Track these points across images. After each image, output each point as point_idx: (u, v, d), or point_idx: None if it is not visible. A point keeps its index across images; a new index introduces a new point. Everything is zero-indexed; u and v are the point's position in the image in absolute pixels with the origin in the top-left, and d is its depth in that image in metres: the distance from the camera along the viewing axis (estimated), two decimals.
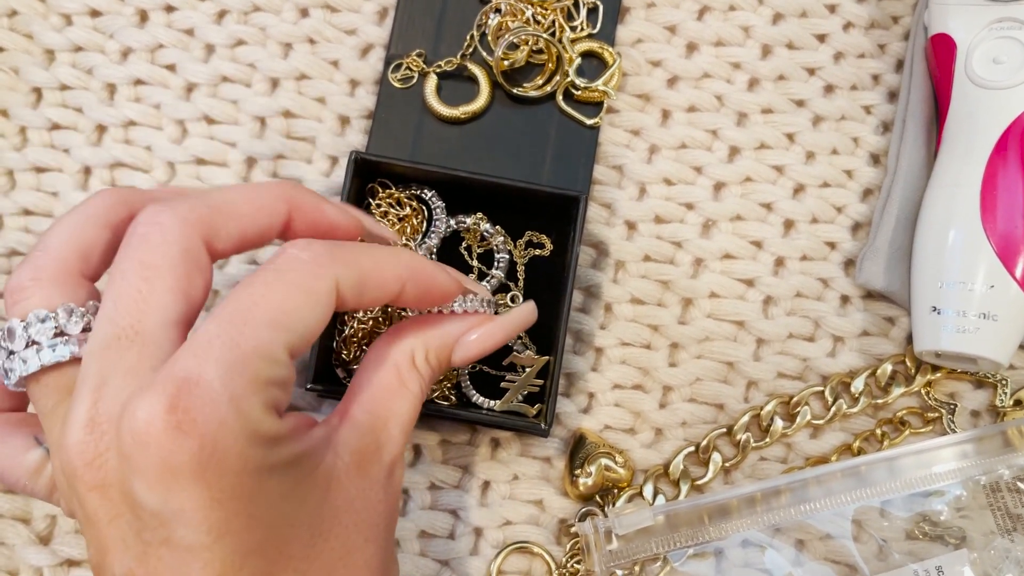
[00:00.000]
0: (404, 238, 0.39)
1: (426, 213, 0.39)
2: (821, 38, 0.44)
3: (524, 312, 0.34)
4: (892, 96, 0.43)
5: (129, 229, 0.27)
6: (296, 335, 0.26)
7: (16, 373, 0.27)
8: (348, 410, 0.30)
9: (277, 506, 0.26)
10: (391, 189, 0.39)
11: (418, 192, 0.39)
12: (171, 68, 0.42)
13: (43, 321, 0.27)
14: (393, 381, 0.31)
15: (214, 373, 0.25)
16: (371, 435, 0.30)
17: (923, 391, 0.41)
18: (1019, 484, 0.38)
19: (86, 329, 0.27)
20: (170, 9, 0.42)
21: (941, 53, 0.40)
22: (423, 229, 0.39)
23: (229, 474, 0.25)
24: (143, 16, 0.42)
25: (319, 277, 0.27)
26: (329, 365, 0.38)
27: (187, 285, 0.27)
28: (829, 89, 0.43)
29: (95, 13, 0.42)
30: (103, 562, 0.26)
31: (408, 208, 0.39)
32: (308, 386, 0.36)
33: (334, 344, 0.38)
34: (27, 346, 0.27)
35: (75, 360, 0.27)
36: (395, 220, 0.39)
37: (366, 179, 0.39)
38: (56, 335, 0.27)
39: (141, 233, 0.27)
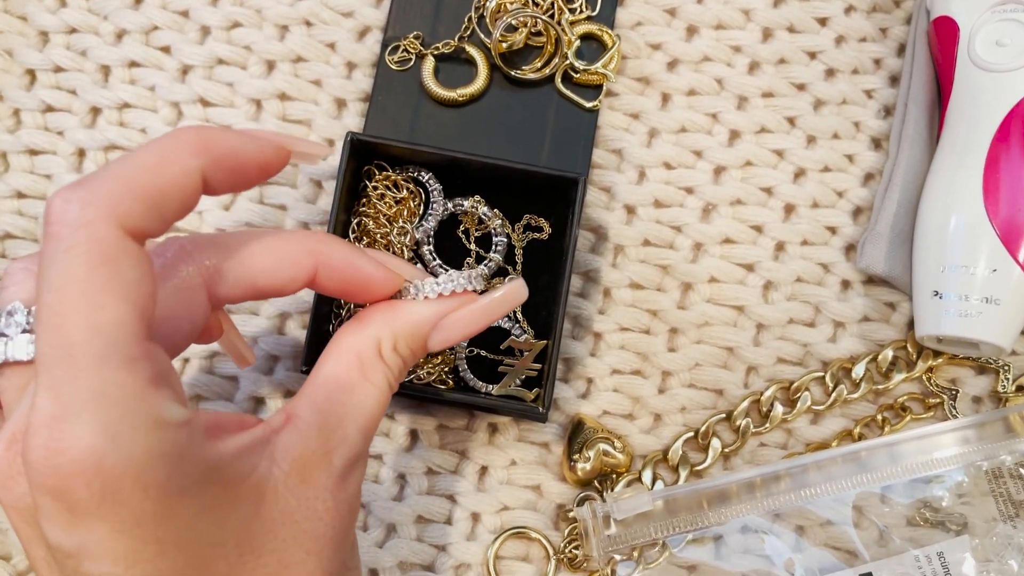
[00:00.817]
0: (401, 221, 0.38)
1: (423, 196, 0.39)
2: (822, 21, 0.43)
3: (511, 292, 0.31)
4: (894, 80, 0.43)
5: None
6: (144, 294, 0.24)
7: None
8: (295, 410, 0.27)
9: (192, 526, 0.24)
10: (388, 171, 0.38)
11: (415, 174, 0.38)
12: (166, 50, 0.41)
13: (18, 314, 0.26)
14: (353, 375, 0.28)
15: (79, 410, 0.22)
16: (318, 438, 0.27)
17: (924, 377, 0.40)
18: (1021, 470, 0.38)
19: None
20: None
21: (943, 36, 0.40)
22: (420, 212, 0.39)
23: (127, 503, 0.23)
24: None
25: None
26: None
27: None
28: (830, 73, 0.43)
29: None
30: None
31: (405, 191, 0.38)
32: (303, 368, 0.36)
33: (331, 328, 0.38)
34: None
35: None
36: (392, 203, 0.38)
37: (362, 161, 0.38)
38: (24, 331, 0.26)
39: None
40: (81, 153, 0.41)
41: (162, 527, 0.23)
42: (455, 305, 0.30)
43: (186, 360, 0.39)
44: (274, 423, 0.27)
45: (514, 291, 0.31)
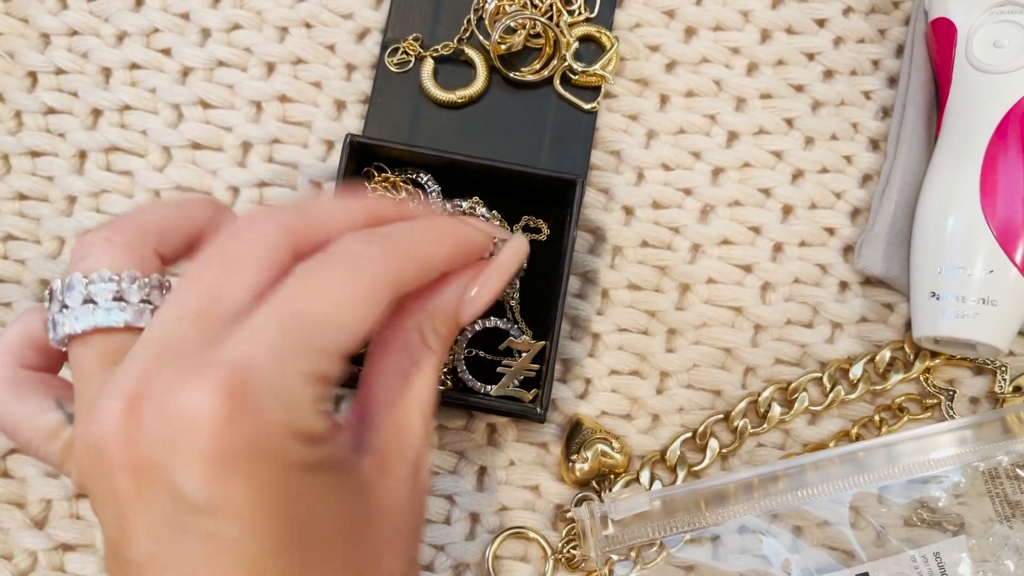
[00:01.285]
0: None
1: (422, 197, 0.39)
2: (821, 23, 0.43)
3: (514, 247, 0.32)
4: (892, 81, 0.43)
5: (223, 226, 0.27)
6: (350, 333, 0.25)
7: (64, 328, 0.26)
8: (366, 407, 0.29)
9: (314, 507, 0.25)
10: (387, 173, 0.39)
11: (414, 176, 0.39)
12: (167, 52, 0.42)
13: (106, 281, 0.26)
14: (406, 365, 0.29)
15: (268, 362, 0.24)
16: (392, 430, 0.28)
17: (922, 377, 0.40)
18: (1018, 471, 0.38)
19: (144, 301, 0.27)
20: None
21: (941, 37, 0.40)
22: None
23: (276, 468, 0.24)
24: (139, 0, 0.42)
25: (378, 276, 0.26)
26: None
27: (265, 285, 0.26)
28: (828, 74, 0.43)
29: None
30: (121, 544, 0.25)
31: (404, 192, 0.39)
32: None
33: None
34: (83, 303, 0.26)
35: (127, 329, 0.26)
36: None
37: (362, 163, 0.39)
38: (115, 299, 0.26)
39: (233, 229, 0.26)
40: (82, 155, 0.41)
41: (294, 501, 0.24)
42: (472, 276, 0.31)
43: None
44: (352, 420, 0.28)
45: (516, 247, 0.32)
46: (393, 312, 0.30)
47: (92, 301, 0.26)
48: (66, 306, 0.26)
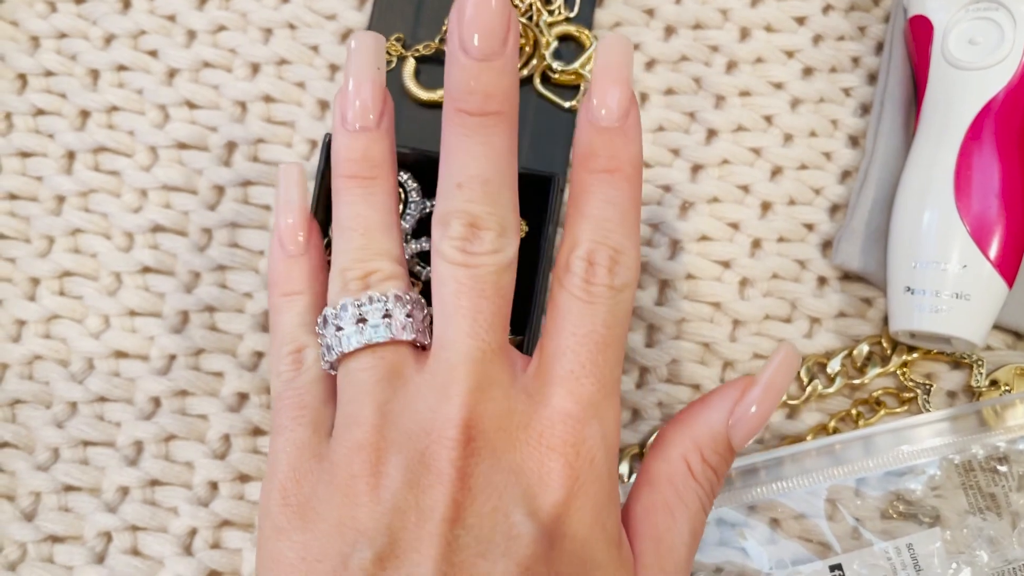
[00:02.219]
0: None
1: (402, 195, 0.39)
2: (800, 20, 0.44)
3: (786, 363, 0.29)
4: (872, 78, 0.43)
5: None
6: None
7: (340, 348, 0.28)
8: (635, 547, 0.28)
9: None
10: None
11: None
12: (153, 54, 0.42)
13: (377, 302, 0.28)
14: (671, 500, 0.29)
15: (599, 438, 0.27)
16: (655, 569, 0.28)
17: (899, 372, 0.41)
18: (993, 463, 0.38)
19: (408, 316, 0.28)
20: None
21: (919, 35, 0.40)
22: (400, 212, 0.39)
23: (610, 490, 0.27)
24: (126, 3, 0.43)
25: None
26: None
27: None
28: (808, 71, 0.43)
29: (79, 0, 0.43)
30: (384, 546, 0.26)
31: None
32: None
33: None
34: (356, 322, 0.27)
35: (392, 342, 0.27)
36: None
37: None
38: (383, 316, 0.27)
39: None
40: (71, 155, 0.42)
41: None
42: (737, 394, 0.29)
43: (172, 357, 0.40)
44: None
45: (787, 361, 0.30)
46: (656, 443, 0.30)
47: (363, 320, 0.27)
48: (340, 328, 0.28)
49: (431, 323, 0.28)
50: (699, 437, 0.29)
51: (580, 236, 0.28)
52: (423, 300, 0.28)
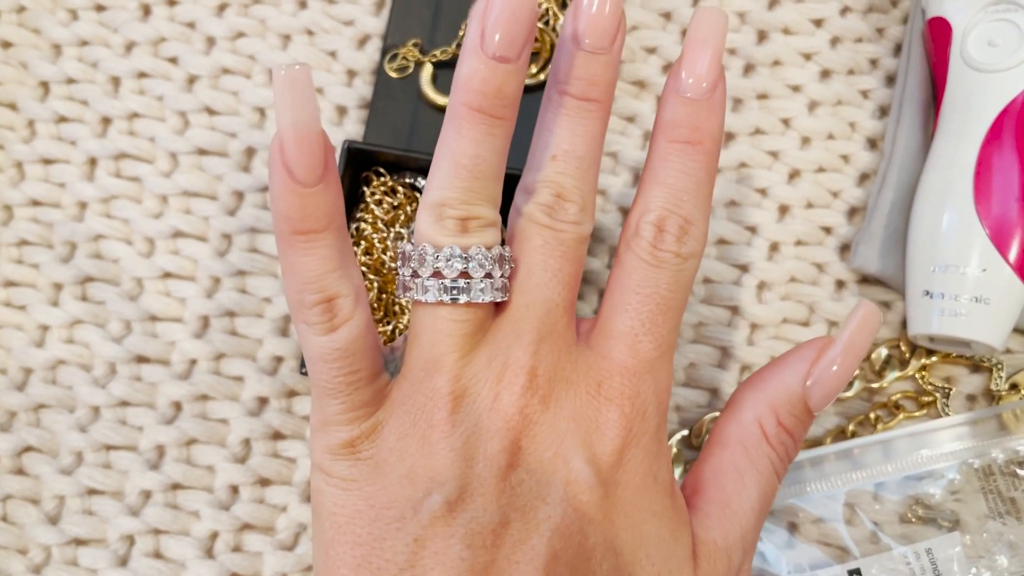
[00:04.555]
0: (398, 225, 0.39)
1: (420, 200, 0.40)
2: (818, 23, 0.44)
3: (866, 321, 0.29)
4: (890, 80, 0.43)
5: None
6: None
7: (414, 295, 0.27)
8: (696, 502, 0.29)
9: None
10: (384, 177, 0.40)
11: (412, 180, 0.39)
12: (173, 61, 0.43)
13: (457, 259, 0.27)
14: (741, 464, 0.29)
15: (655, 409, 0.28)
16: (719, 532, 0.28)
17: (918, 375, 0.41)
18: (1013, 467, 0.38)
19: (487, 276, 0.27)
20: (172, 3, 0.43)
21: (938, 36, 0.40)
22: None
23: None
24: (146, 10, 0.43)
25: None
26: None
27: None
28: (825, 74, 0.43)
29: (100, 8, 0.43)
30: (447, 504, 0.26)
31: (402, 195, 0.40)
32: (302, 371, 0.37)
33: None
34: (431, 276, 0.27)
35: (468, 305, 0.27)
36: (389, 208, 0.39)
37: (360, 168, 0.39)
38: (460, 275, 0.27)
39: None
40: (92, 162, 0.42)
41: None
42: (814, 354, 0.29)
43: (193, 361, 0.40)
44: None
45: (868, 320, 0.29)
46: (731, 404, 0.30)
47: (467, 276, 0.27)
48: (417, 275, 0.27)
49: None
50: (775, 399, 0.29)
51: (652, 202, 0.28)
52: (512, 258, 0.28)
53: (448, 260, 0.26)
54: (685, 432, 0.40)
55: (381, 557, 0.26)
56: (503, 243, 0.28)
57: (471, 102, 0.26)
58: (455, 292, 0.26)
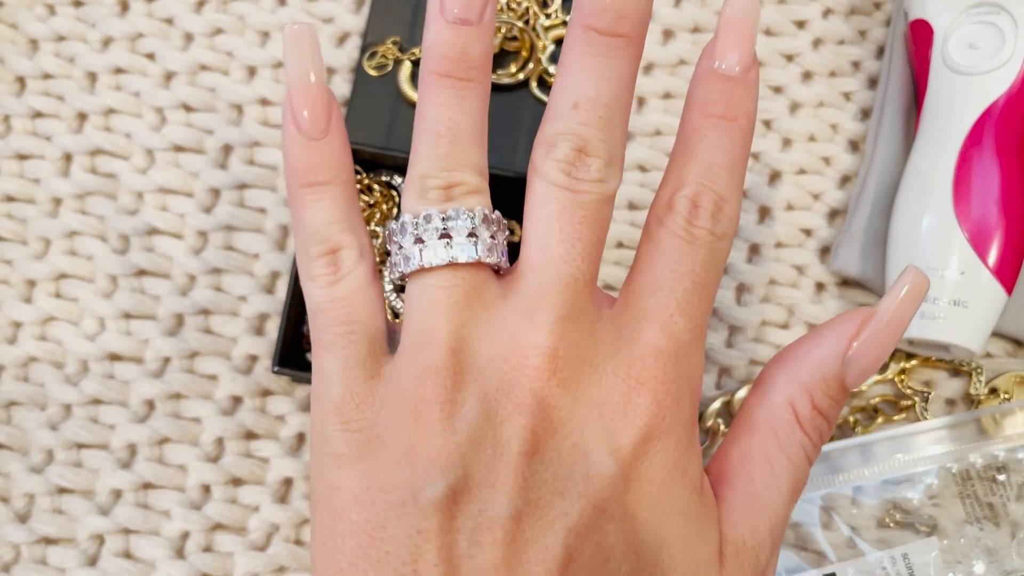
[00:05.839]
0: (373, 224, 0.39)
1: (396, 199, 0.39)
2: (800, 24, 0.43)
3: (913, 291, 0.26)
4: (872, 82, 0.43)
5: None
6: None
7: (417, 261, 0.26)
8: (721, 492, 0.27)
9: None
10: (360, 175, 0.39)
11: (388, 179, 0.39)
12: (150, 57, 0.42)
13: (463, 219, 0.25)
14: (772, 452, 0.27)
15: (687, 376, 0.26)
16: (746, 528, 0.26)
17: (897, 379, 0.40)
18: (992, 472, 0.38)
19: (492, 237, 0.26)
20: None
21: (919, 39, 0.40)
22: (393, 215, 0.39)
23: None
24: (124, 6, 0.43)
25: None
26: (299, 349, 0.38)
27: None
28: (807, 76, 0.43)
29: (78, 3, 0.43)
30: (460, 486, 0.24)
31: (378, 193, 0.39)
32: (275, 369, 0.36)
33: (305, 330, 0.39)
34: (440, 237, 0.25)
35: (476, 264, 0.26)
36: (365, 206, 0.39)
37: None
38: (469, 235, 0.25)
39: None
40: (68, 158, 0.42)
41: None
42: (853, 328, 0.27)
43: (167, 360, 0.40)
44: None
45: (916, 285, 0.27)
46: (759, 382, 0.28)
47: (448, 236, 0.25)
48: (401, 247, 0.26)
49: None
50: (808, 379, 0.27)
51: (687, 176, 0.26)
52: (505, 222, 0.27)
53: (426, 224, 0.25)
54: (725, 398, 0.40)
55: (381, 549, 0.24)
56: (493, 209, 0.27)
57: (437, 68, 0.26)
58: (437, 254, 0.25)
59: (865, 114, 0.43)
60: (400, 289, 0.37)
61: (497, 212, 0.26)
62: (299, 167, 0.26)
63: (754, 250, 0.42)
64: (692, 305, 0.26)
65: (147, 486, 0.39)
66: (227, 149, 0.42)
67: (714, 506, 0.27)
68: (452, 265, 0.25)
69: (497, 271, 0.26)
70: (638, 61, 0.26)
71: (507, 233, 0.27)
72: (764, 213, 0.42)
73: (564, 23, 0.42)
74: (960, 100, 0.38)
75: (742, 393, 0.40)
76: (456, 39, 0.26)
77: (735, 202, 0.26)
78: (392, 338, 0.27)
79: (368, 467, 0.25)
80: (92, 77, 0.42)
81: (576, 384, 0.25)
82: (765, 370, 0.28)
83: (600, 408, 0.25)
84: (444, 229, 0.25)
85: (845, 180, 0.42)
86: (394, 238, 0.26)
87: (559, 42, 0.42)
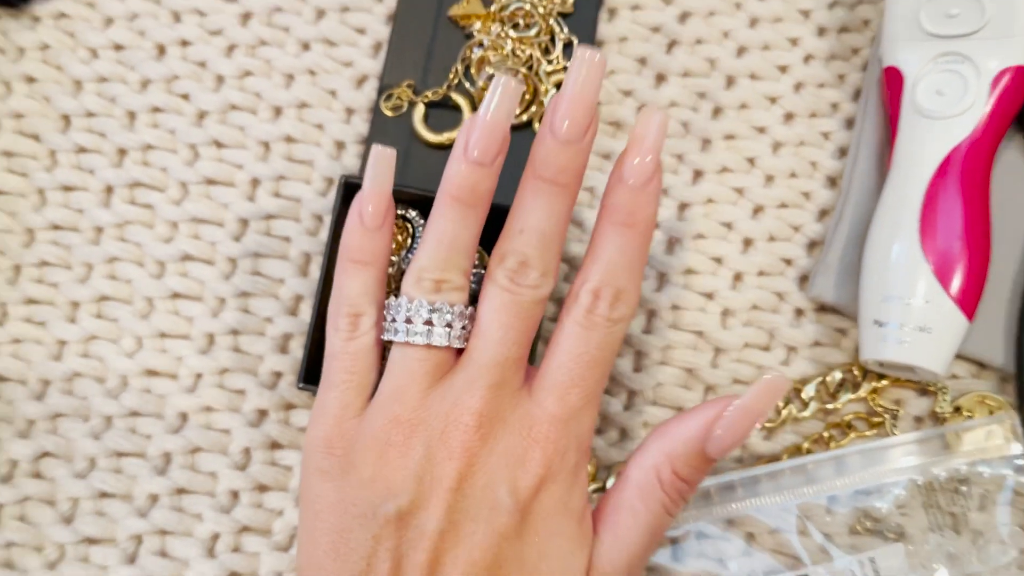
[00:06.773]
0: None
1: (410, 229, 0.43)
2: (783, 69, 0.47)
3: (768, 386, 0.32)
4: (849, 123, 0.46)
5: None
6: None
7: (403, 337, 0.33)
8: (601, 535, 0.34)
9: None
10: None
11: (403, 212, 0.43)
12: (185, 97, 0.46)
13: (444, 312, 0.33)
14: (637, 505, 0.34)
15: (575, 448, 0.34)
16: (607, 564, 0.34)
17: (869, 397, 0.44)
18: (955, 484, 0.41)
19: (463, 327, 0.34)
20: (185, 44, 0.47)
21: (892, 84, 0.43)
22: (408, 245, 0.43)
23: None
24: (161, 50, 0.47)
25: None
26: (322, 367, 0.42)
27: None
28: (789, 117, 0.46)
29: (119, 47, 0.47)
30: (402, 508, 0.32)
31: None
32: (300, 385, 0.40)
33: None
34: (424, 324, 0.33)
35: (447, 349, 0.34)
36: None
37: None
38: (445, 326, 0.33)
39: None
40: (109, 190, 0.45)
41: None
42: (717, 410, 0.33)
43: (199, 376, 0.44)
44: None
45: (771, 386, 0.33)
46: (638, 449, 0.35)
47: (430, 324, 0.33)
48: (394, 320, 0.33)
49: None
50: (673, 451, 0.34)
51: (591, 274, 0.34)
52: (474, 313, 0.34)
53: (417, 310, 0.33)
54: None
55: (347, 546, 0.32)
56: (468, 305, 0.34)
57: (451, 192, 0.33)
58: (419, 335, 0.33)
59: (842, 152, 0.46)
60: None
61: (471, 308, 0.34)
62: (352, 246, 0.35)
63: (738, 278, 0.45)
64: (585, 379, 0.33)
65: (181, 491, 0.43)
66: (255, 182, 0.45)
67: (590, 534, 0.34)
68: (429, 346, 0.33)
69: (460, 351, 0.34)
70: (574, 200, 0.34)
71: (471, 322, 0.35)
72: (748, 244, 0.45)
73: (564, 68, 0.46)
74: (927, 141, 0.41)
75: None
76: (471, 175, 0.33)
77: (633, 293, 0.34)
78: (377, 386, 0.34)
79: (343, 484, 0.32)
80: (131, 115, 0.46)
81: (492, 438, 0.32)
82: (647, 437, 0.35)
83: (506, 458, 0.32)
84: (429, 318, 0.33)
85: (823, 213, 0.46)
86: (389, 311, 0.34)
87: (559, 86, 0.46)
